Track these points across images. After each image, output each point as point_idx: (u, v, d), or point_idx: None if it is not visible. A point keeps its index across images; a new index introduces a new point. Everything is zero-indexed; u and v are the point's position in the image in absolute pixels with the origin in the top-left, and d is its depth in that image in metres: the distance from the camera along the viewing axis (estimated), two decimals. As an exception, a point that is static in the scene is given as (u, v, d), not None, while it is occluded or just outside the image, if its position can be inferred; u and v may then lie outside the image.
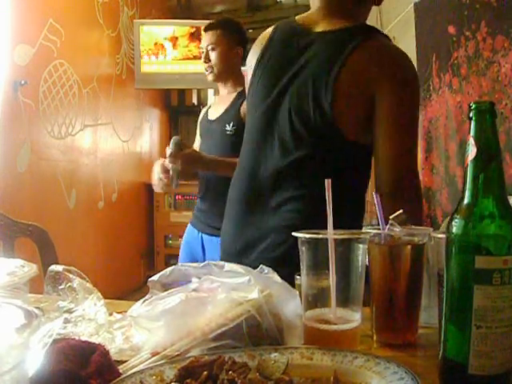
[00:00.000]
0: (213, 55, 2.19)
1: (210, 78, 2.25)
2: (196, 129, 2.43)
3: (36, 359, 0.47)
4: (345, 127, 1.17)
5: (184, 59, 4.11)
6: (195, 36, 4.04)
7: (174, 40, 4.06)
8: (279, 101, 1.24)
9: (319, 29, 1.25)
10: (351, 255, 0.75)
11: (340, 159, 1.21)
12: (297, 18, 1.33)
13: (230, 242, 1.31)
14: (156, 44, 4.11)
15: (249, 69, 1.38)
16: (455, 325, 0.60)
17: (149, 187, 4.97)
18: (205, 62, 2.22)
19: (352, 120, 1.17)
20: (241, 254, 1.25)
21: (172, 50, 4.09)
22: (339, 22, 1.22)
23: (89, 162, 3.78)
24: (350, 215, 1.19)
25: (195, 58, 4.03)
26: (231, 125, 2.13)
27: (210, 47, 2.19)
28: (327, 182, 0.78)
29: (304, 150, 1.20)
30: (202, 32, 2.31)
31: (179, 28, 4.05)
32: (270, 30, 1.36)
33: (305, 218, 1.17)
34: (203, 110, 2.43)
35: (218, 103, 2.34)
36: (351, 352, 0.62)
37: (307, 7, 1.36)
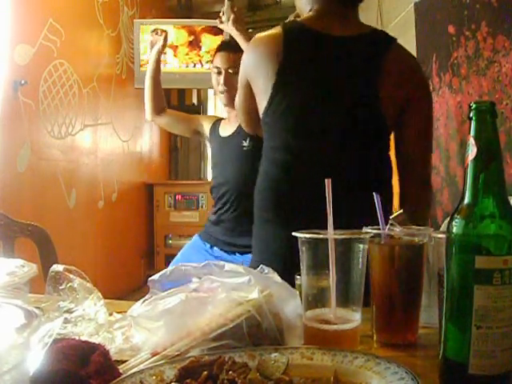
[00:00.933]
0: (234, 79, 1.94)
1: (225, 101, 2.17)
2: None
3: (36, 359, 0.47)
4: (389, 121, 1.26)
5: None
6: (194, 43, 4.03)
7: (174, 48, 4.07)
8: (327, 107, 1.23)
9: (338, 33, 1.25)
10: (351, 255, 0.75)
11: (385, 152, 1.31)
12: (302, 21, 1.28)
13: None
14: None
15: (255, 78, 1.29)
16: (455, 325, 0.60)
17: (149, 187, 4.98)
18: (224, 84, 2.12)
19: (393, 114, 1.26)
20: None
21: (173, 58, 4.09)
22: (352, 25, 1.29)
23: (89, 161, 3.78)
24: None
25: (195, 66, 4.04)
26: (247, 140, 2.10)
27: (230, 70, 2.10)
28: (327, 182, 0.78)
29: (361, 151, 1.25)
30: (217, 52, 2.21)
31: (178, 37, 4.04)
32: (275, 34, 1.26)
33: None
34: (209, 120, 2.39)
35: (228, 123, 2.27)
36: (351, 352, 0.62)
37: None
